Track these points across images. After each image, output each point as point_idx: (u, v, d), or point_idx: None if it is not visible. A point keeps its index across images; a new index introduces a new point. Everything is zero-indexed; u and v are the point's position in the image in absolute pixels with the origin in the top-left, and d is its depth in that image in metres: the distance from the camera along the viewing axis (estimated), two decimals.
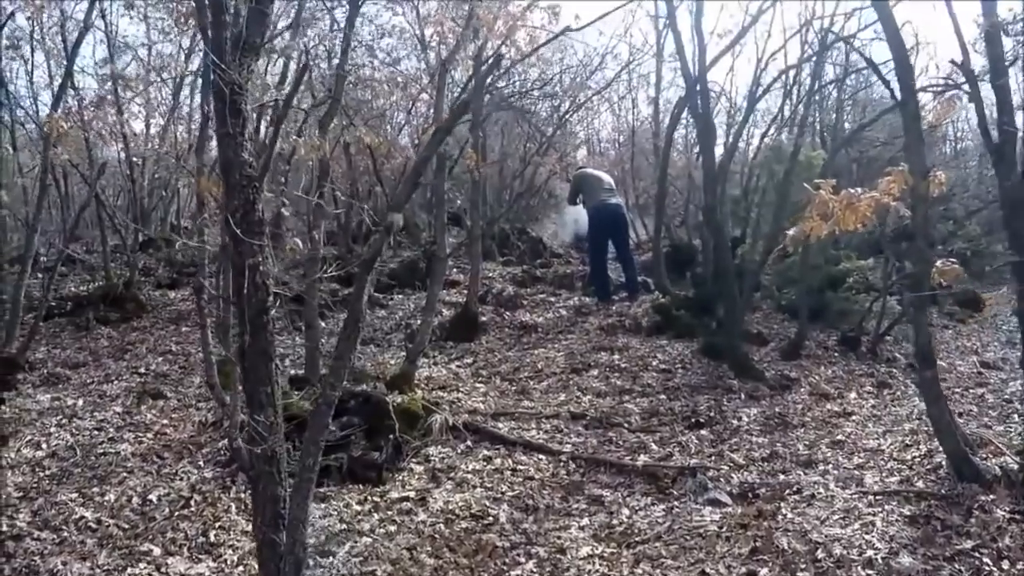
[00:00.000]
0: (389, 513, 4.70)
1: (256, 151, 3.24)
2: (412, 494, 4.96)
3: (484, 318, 9.15)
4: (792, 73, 10.76)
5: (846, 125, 12.64)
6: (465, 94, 8.20)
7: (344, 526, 4.47)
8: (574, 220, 12.90)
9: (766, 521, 4.46)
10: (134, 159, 11.43)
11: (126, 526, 4.50)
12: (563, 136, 13.99)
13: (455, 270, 11.10)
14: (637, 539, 4.42)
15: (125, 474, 5.19)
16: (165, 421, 6.11)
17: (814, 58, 9.65)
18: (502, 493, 5.03)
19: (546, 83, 12.12)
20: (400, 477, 5.25)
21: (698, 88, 7.64)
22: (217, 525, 4.50)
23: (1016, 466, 4.72)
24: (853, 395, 7.04)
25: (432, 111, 9.44)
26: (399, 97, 10.72)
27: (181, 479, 5.11)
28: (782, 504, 4.70)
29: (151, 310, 9.48)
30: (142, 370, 7.39)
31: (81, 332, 8.56)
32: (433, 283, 7.33)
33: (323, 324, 8.50)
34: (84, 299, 9.37)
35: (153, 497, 4.84)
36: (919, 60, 12.22)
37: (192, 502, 4.77)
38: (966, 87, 4.89)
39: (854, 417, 6.39)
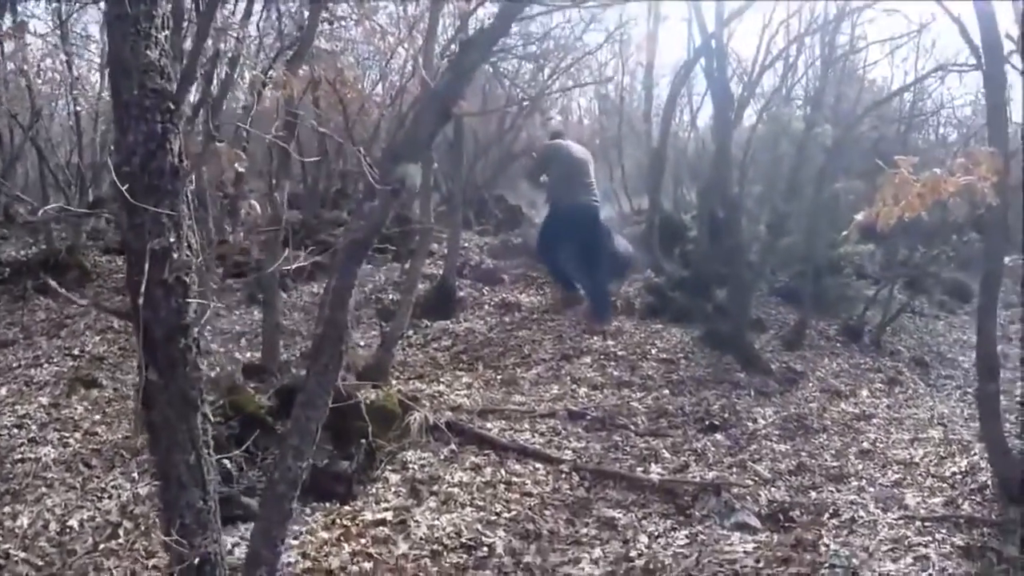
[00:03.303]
0: (363, 542, 3.90)
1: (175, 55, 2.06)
2: (390, 515, 4.18)
3: (462, 293, 8.40)
4: (795, 46, 10.05)
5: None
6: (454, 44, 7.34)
7: (309, 563, 3.64)
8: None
9: (807, 553, 3.94)
10: (78, 109, 10.33)
11: (39, 563, 3.63)
12: (546, 100, 13.08)
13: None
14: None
15: (44, 489, 4.31)
16: (97, 417, 5.22)
17: (827, 27, 8.98)
18: (497, 514, 4.28)
19: (528, 43, 11.20)
20: (374, 491, 4.49)
21: (713, 45, 6.83)
22: (151, 564, 3.64)
23: None
24: (865, 393, 6.68)
25: (409, 64, 8.56)
26: (374, 49, 9.74)
27: (110, 497, 4.23)
28: (822, 531, 4.18)
29: (95, 278, 8.49)
30: (76, 351, 6.47)
31: (16, 303, 7.56)
32: (416, 257, 6.42)
33: (285, 296, 7.64)
34: (23, 265, 8.34)
35: (74, 522, 3.97)
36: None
37: (121, 530, 3.91)
38: None
39: (874, 420, 6.00)
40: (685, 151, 13.41)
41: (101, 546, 3.81)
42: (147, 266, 1.90)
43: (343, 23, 7.69)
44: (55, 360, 6.32)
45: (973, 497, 4.47)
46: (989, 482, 4.53)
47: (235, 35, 5.64)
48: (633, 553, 3.98)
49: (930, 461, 5.09)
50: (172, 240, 1.97)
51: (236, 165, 3.92)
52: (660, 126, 10.59)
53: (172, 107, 1.97)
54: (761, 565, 3.83)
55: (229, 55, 6.39)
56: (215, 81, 6.18)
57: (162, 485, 2.09)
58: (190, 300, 2.04)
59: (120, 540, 3.86)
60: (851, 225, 3.83)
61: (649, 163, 11.25)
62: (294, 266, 3.04)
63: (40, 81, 9.01)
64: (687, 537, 4.15)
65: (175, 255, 1.98)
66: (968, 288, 10.15)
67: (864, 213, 3.74)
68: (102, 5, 8.12)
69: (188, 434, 2.06)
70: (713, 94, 7.65)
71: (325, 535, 3.97)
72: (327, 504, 4.31)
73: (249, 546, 2.36)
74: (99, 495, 4.29)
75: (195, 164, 2.09)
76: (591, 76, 13.54)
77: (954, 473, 4.85)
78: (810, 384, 6.69)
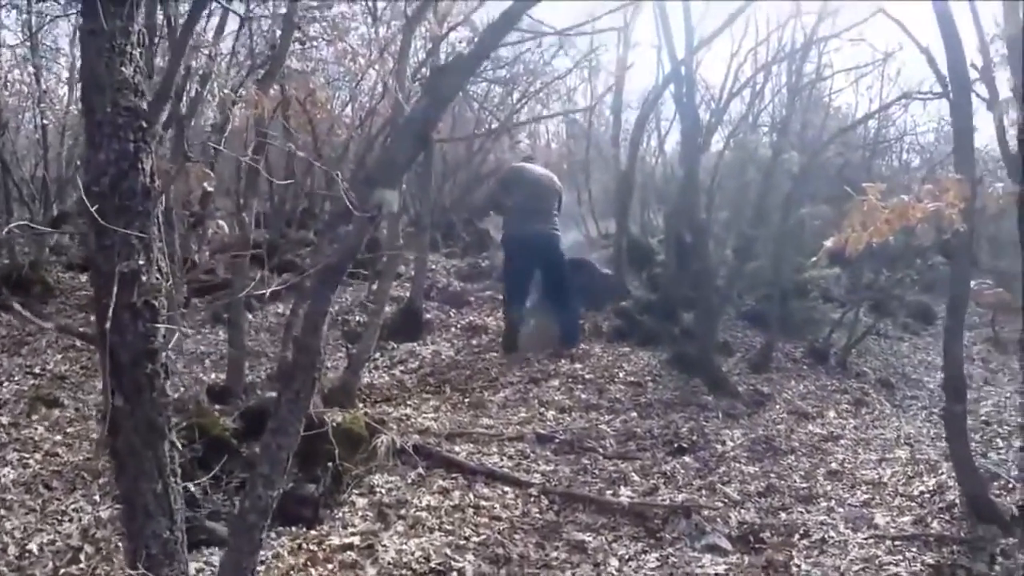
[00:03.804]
0: (330, 567, 3.81)
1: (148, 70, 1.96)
2: (357, 540, 4.08)
3: (429, 315, 8.36)
4: (762, 74, 10.23)
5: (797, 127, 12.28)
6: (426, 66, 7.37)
7: None
8: None
9: (779, 574, 3.96)
10: (45, 122, 10.16)
11: None
12: (516, 122, 13.13)
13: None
14: None
15: (3, 511, 4.19)
16: (58, 437, 5.11)
17: (794, 55, 9.15)
18: (466, 538, 4.20)
19: (498, 66, 11.28)
20: (341, 515, 4.39)
21: (683, 72, 6.88)
22: None
23: None
24: (832, 414, 6.67)
25: (379, 86, 8.53)
26: (345, 70, 9.72)
27: (71, 520, 4.11)
28: (793, 552, 4.17)
29: (59, 295, 8.33)
30: (38, 369, 6.34)
31: None
32: (383, 279, 6.38)
33: (250, 317, 7.54)
34: None
35: (34, 546, 3.85)
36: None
37: (82, 555, 3.79)
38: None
39: (842, 441, 5.97)
40: (653, 176, 13.45)
41: (62, 571, 3.69)
42: (115, 289, 1.82)
43: (315, 43, 7.69)
44: (16, 378, 6.19)
45: (942, 516, 4.48)
46: (957, 500, 4.54)
47: (207, 52, 5.60)
48: None
49: (898, 481, 5.10)
50: (142, 263, 1.90)
51: (205, 184, 3.85)
52: (628, 150, 10.63)
53: (145, 126, 1.90)
54: None
55: (200, 72, 6.34)
56: (185, 99, 6.12)
57: (128, 514, 2.00)
58: (158, 324, 1.95)
59: (81, 565, 3.74)
60: (820, 251, 3.87)
61: (617, 187, 11.25)
62: (268, 291, 2.95)
63: (7, 93, 8.87)
64: (658, 560, 4.09)
65: (144, 278, 1.91)
66: (932, 310, 10.28)
67: (833, 239, 3.79)
68: (73, 19, 8.01)
69: (155, 462, 1.98)
70: (681, 120, 7.70)
71: (292, 560, 3.86)
72: (293, 528, 4.20)
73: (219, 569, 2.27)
74: (60, 518, 4.18)
75: (165, 183, 2.03)
76: (560, 100, 13.67)
77: (922, 492, 4.85)
78: (777, 406, 6.67)
